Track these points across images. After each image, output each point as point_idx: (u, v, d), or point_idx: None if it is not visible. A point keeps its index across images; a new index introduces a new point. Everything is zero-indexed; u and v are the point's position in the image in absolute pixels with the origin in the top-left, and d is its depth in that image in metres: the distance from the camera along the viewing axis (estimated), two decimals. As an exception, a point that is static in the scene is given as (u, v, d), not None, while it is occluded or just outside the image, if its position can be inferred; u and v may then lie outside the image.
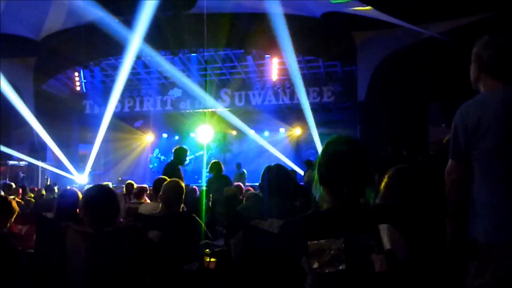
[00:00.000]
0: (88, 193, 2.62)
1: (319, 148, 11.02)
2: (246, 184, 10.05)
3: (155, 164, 16.82)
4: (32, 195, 8.47)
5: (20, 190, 8.30)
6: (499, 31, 2.33)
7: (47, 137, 13.46)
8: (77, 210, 3.26)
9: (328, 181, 1.66)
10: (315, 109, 13.67)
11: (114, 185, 12.22)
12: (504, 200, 2.06)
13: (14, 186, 8.49)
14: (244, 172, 12.01)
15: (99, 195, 2.58)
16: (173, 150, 6.55)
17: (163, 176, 4.92)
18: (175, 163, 6.38)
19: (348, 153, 1.66)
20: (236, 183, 7.18)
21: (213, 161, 7.68)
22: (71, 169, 14.48)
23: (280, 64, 13.77)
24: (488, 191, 2.10)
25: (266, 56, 13.57)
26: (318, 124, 12.75)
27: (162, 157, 16.34)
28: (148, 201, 5.89)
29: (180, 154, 6.47)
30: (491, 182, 2.10)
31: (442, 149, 5.28)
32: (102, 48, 12.52)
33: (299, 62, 13.81)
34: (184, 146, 6.73)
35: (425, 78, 9.73)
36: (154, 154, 16.63)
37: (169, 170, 6.13)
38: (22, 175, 14.30)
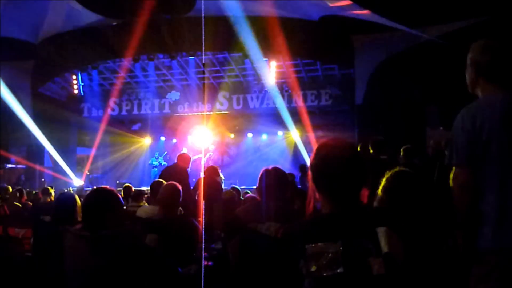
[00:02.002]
0: (88, 196, 2.61)
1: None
2: (242, 187, 10.03)
3: (155, 168, 16.71)
4: (26, 197, 8.42)
5: (18, 194, 8.25)
6: (494, 35, 2.33)
7: (45, 140, 13.43)
8: (74, 213, 3.26)
9: (322, 185, 1.65)
10: (313, 112, 13.68)
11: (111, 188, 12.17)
12: (505, 209, 2.05)
13: (11, 189, 8.45)
14: (222, 178, 12.07)
15: (98, 198, 2.58)
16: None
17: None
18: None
19: (340, 155, 1.64)
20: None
21: None
22: (68, 172, 14.45)
23: (278, 67, 13.79)
24: (490, 198, 2.09)
25: (264, 59, 13.58)
26: (316, 127, 12.75)
27: (163, 162, 16.27)
28: (146, 204, 5.88)
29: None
30: (493, 189, 2.09)
31: (439, 152, 5.29)
32: (100, 51, 12.52)
33: (297, 65, 13.85)
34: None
35: (423, 81, 9.76)
36: (155, 157, 16.57)
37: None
38: (24, 178, 14.29)
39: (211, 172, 6.58)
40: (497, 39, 2.26)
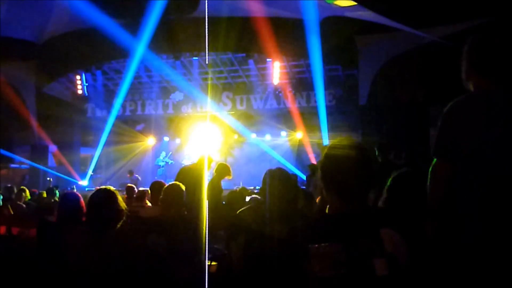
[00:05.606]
0: (92, 196, 2.62)
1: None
2: (248, 187, 10.00)
3: (162, 168, 16.70)
4: (29, 197, 8.43)
5: (22, 194, 8.25)
6: (497, 35, 2.32)
7: (49, 141, 13.48)
8: (79, 213, 3.27)
9: (331, 186, 1.66)
10: (316, 112, 13.67)
11: (115, 189, 12.21)
12: (488, 206, 2.05)
13: (15, 189, 8.45)
14: (138, 179, 12.23)
15: (102, 198, 2.59)
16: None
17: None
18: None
19: (351, 156, 1.65)
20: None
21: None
22: (72, 172, 14.49)
23: (282, 68, 13.78)
24: (473, 195, 2.09)
25: (267, 60, 13.58)
26: (319, 128, 12.75)
27: (170, 161, 16.28)
28: (150, 204, 5.87)
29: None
30: (477, 185, 2.09)
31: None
32: (104, 51, 12.55)
33: (300, 66, 13.84)
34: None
35: (427, 82, 9.74)
36: (161, 157, 16.57)
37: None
38: (28, 178, 14.35)
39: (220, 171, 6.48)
40: (493, 35, 2.25)
